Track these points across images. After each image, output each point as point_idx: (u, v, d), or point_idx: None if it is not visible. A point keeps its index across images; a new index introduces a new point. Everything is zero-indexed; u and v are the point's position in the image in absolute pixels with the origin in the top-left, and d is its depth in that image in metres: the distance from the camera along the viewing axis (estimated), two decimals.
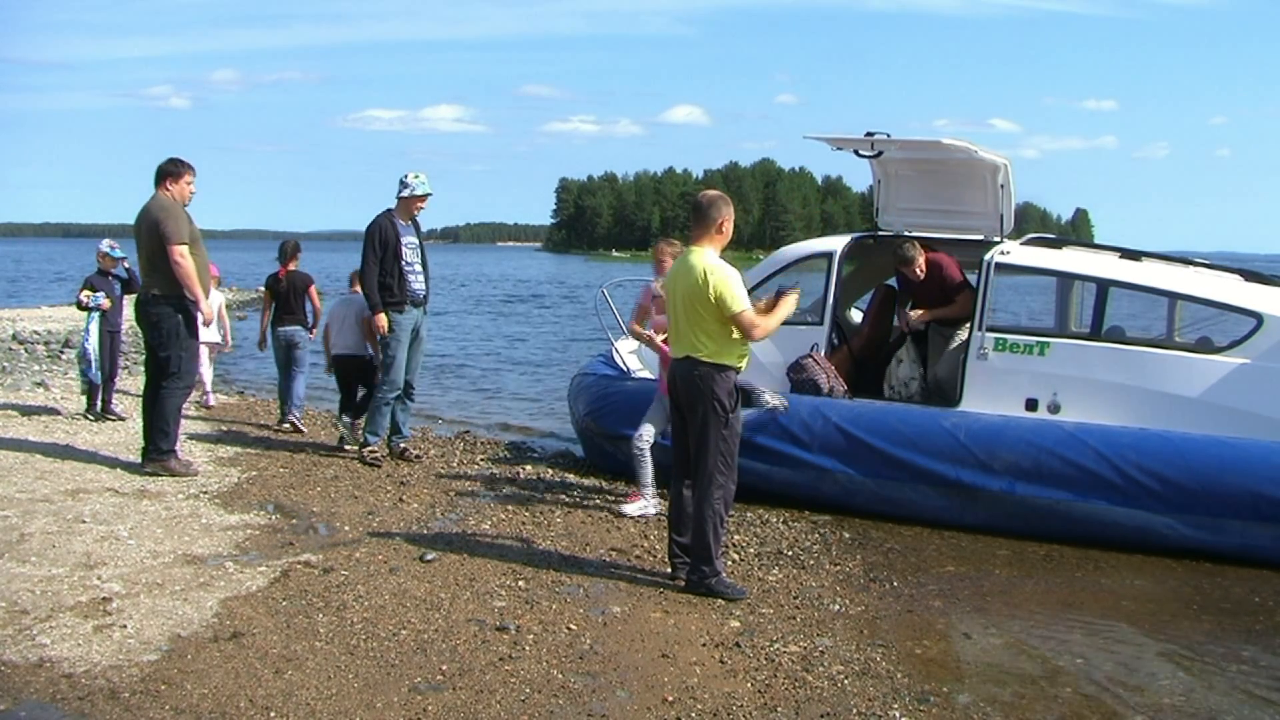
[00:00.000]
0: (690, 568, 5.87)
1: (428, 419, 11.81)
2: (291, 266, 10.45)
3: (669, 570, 6.06)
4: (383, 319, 8.51)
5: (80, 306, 9.97)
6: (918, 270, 8.36)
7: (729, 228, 5.83)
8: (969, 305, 8.11)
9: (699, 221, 5.85)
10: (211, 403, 11.47)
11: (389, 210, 8.65)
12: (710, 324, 5.67)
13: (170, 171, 7.83)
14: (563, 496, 7.98)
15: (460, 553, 6.33)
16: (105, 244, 10.25)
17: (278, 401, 10.70)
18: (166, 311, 7.74)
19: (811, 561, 6.64)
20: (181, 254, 7.59)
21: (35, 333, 17.74)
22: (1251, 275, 8.17)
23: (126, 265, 10.12)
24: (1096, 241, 8.79)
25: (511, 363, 19.88)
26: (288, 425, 10.24)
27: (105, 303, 9.92)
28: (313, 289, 10.58)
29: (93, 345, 9.82)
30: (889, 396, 8.44)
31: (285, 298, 10.36)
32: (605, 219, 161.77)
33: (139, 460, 8.10)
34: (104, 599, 5.26)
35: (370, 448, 8.79)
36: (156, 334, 7.80)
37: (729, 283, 5.62)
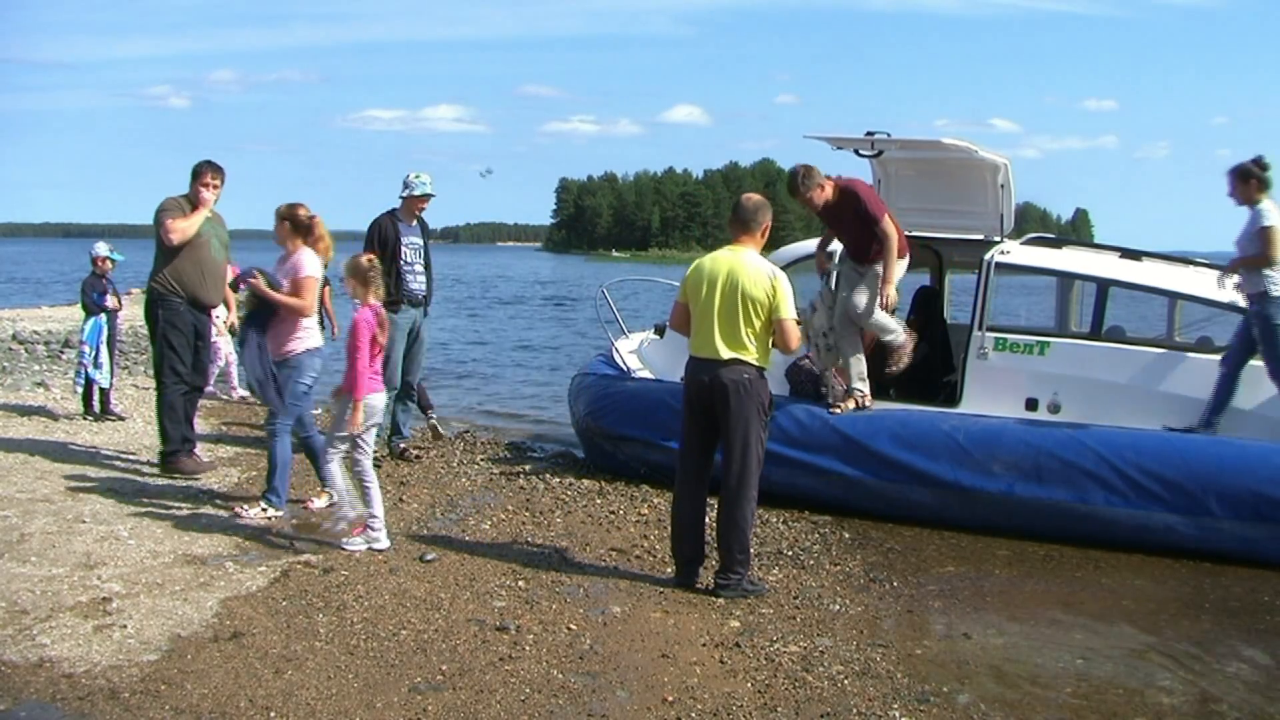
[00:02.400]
0: (723, 571, 5.82)
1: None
2: None
3: (673, 574, 6.04)
4: None
5: (88, 309, 9.97)
6: (811, 200, 7.74)
7: (769, 231, 5.90)
8: (894, 236, 7.66)
9: (744, 225, 5.84)
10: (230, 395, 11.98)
11: (392, 210, 8.66)
12: (759, 327, 5.67)
13: (195, 172, 7.90)
14: (563, 496, 7.98)
15: (460, 553, 6.33)
16: (105, 248, 10.24)
17: None
18: (157, 311, 7.74)
19: (811, 561, 6.64)
20: (170, 226, 7.66)
21: (35, 333, 17.67)
22: None
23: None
24: (1096, 241, 8.78)
25: (512, 362, 19.88)
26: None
27: (111, 301, 9.98)
28: (326, 290, 10.92)
29: (104, 345, 9.83)
30: (808, 353, 8.21)
31: None
32: (605, 219, 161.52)
33: (140, 460, 8.11)
34: (104, 599, 5.27)
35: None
36: (150, 330, 7.86)
37: (788, 289, 5.72)
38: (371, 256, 6.61)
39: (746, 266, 5.70)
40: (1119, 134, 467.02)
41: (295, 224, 6.84)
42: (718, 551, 5.94)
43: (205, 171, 7.88)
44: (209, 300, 7.90)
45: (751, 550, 5.95)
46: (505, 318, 32.66)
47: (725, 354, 5.67)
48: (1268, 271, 6.96)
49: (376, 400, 6.33)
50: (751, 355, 5.68)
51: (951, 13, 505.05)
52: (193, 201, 7.80)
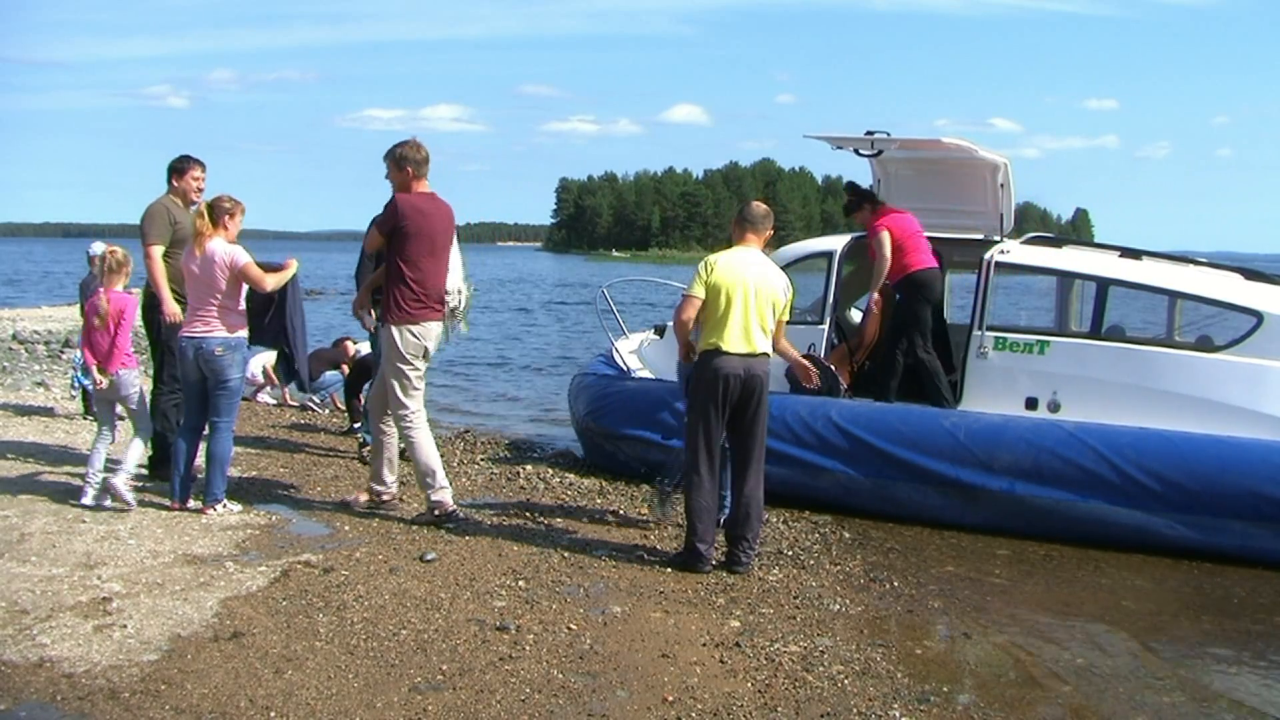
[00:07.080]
0: (746, 546, 6.27)
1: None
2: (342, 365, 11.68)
3: (682, 555, 6.29)
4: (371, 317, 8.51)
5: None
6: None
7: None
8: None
9: (754, 227, 6.31)
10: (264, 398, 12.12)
11: None
12: (773, 325, 6.23)
13: (176, 168, 7.73)
14: (563, 496, 7.98)
15: (460, 553, 6.34)
16: (102, 248, 10.19)
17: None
18: (156, 315, 7.52)
19: (811, 561, 6.64)
20: (150, 254, 7.46)
21: (35, 333, 17.72)
22: (1252, 274, 8.17)
23: None
24: (1097, 241, 8.79)
25: (511, 362, 19.88)
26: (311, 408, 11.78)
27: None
28: (344, 367, 11.66)
29: None
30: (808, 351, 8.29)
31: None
32: (605, 219, 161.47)
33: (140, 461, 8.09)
34: (104, 599, 5.27)
35: (370, 447, 8.77)
36: (149, 334, 7.74)
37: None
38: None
39: (771, 270, 6.28)
40: (1120, 134, 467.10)
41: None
42: (740, 529, 6.24)
43: (192, 167, 7.68)
44: (168, 299, 7.65)
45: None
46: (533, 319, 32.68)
47: (760, 347, 6.14)
48: None
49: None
50: (768, 349, 6.23)
51: (952, 13, 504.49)
52: (183, 201, 7.62)
